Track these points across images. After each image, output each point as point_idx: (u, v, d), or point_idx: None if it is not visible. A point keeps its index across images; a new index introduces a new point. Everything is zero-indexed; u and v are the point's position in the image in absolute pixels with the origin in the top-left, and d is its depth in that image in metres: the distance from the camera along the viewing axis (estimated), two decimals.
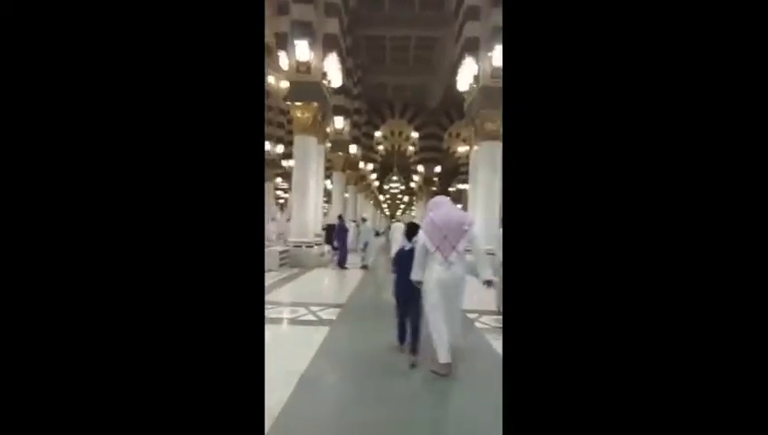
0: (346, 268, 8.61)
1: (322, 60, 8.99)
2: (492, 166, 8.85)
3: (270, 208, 15.19)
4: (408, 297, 3.03)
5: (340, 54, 9.65)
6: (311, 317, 4.26)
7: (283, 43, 8.93)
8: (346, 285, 6.81)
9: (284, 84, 9.06)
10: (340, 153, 14.40)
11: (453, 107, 17.17)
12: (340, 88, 10.66)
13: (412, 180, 26.56)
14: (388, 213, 42.05)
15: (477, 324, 4.17)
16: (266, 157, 14.29)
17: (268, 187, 15.78)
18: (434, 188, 20.76)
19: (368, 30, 13.70)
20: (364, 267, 8.89)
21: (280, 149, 16.83)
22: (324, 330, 3.73)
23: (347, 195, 16.51)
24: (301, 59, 8.49)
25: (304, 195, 9.00)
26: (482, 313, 4.54)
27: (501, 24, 8.13)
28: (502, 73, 8.37)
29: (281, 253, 8.24)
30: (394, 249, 4.54)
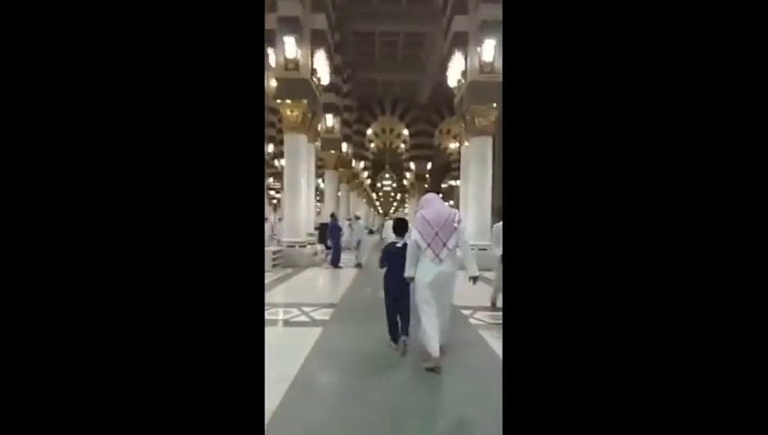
0: (340, 267, 8.59)
1: (311, 57, 8.90)
2: (482, 162, 8.84)
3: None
4: (399, 295, 3.00)
5: (328, 51, 9.56)
6: (303, 318, 4.21)
7: (271, 40, 8.81)
8: (339, 284, 6.77)
9: (273, 82, 8.92)
10: (332, 151, 14.34)
11: (443, 103, 17.20)
12: (329, 85, 10.59)
13: (404, 178, 26.59)
14: (381, 211, 42.06)
15: (472, 320, 4.16)
16: None
17: None
18: (426, 185, 20.79)
19: (356, 26, 13.63)
20: (358, 266, 8.88)
21: (271, 148, 16.72)
22: (317, 331, 3.69)
23: (339, 193, 16.45)
24: (289, 56, 8.40)
25: (296, 194, 8.93)
26: (476, 309, 4.53)
27: (489, 17, 8.10)
28: (494, 69, 8.36)
29: (274, 253, 8.17)
30: None
